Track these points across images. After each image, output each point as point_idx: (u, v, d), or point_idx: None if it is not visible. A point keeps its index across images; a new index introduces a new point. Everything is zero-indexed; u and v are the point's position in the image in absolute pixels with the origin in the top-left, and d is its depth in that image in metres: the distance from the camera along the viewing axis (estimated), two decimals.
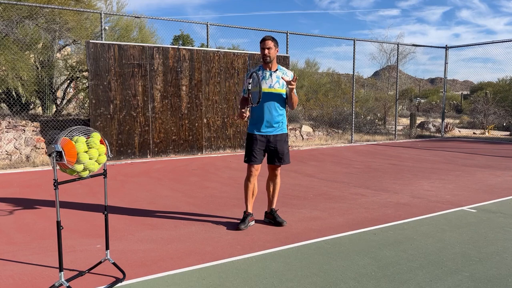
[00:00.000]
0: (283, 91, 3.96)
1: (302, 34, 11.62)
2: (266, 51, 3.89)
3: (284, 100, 4.01)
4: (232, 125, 9.75)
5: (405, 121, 20.46)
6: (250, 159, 3.99)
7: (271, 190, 4.17)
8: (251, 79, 3.79)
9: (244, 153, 4.14)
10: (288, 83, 3.79)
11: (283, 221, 4.06)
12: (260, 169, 4.07)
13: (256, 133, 3.98)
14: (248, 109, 3.87)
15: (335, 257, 3.24)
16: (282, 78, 3.91)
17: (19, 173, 7.06)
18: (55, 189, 2.49)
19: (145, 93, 8.63)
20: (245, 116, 3.83)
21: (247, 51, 10.74)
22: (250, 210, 4.10)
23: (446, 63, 14.54)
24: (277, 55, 10.26)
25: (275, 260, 3.19)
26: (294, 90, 3.87)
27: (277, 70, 3.99)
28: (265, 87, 3.90)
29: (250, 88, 3.81)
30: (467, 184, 6.12)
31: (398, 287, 2.73)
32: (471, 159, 8.92)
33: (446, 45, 14.49)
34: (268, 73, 3.95)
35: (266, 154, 4.05)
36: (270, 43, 3.90)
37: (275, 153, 4.01)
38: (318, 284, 2.77)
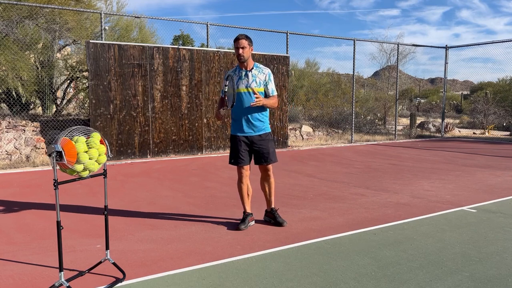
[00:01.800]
0: (261, 89, 3.91)
1: (302, 34, 11.63)
2: (240, 50, 3.85)
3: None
4: None
5: (405, 121, 20.46)
6: (237, 161, 3.96)
7: (266, 190, 4.14)
8: (227, 82, 3.74)
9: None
10: (257, 103, 3.75)
11: (284, 221, 4.05)
12: (249, 169, 4.06)
13: (239, 134, 3.96)
14: (225, 110, 3.85)
15: (335, 257, 3.24)
16: (251, 104, 3.79)
17: (19, 173, 7.06)
18: (55, 189, 2.49)
19: (145, 93, 8.63)
20: (221, 117, 3.84)
21: None
22: (248, 210, 4.10)
23: (446, 63, 14.54)
24: (277, 55, 10.34)
25: (275, 260, 3.19)
26: (264, 102, 3.81)
27: (253, 68, 3.94)
28: (242, 87, 3.87)
29: (226, 90, 3.75)
30: (467, 184, 6.11)
31: (398, 287, 2.73)
32: (471, 159, 8.92)
33: (446, 45, 14.49)
34: (244, 73, 3.92)
35: (253, 155, 4.02)
36: (244, 42, 3.84)
37: (260, 153, 3.97)
38: (318, 284, 2.77)
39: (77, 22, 9.82)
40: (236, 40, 3.87)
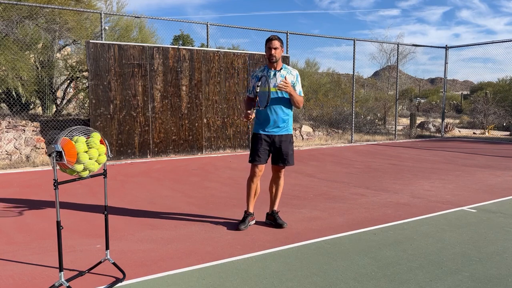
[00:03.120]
0: None
1: (302, 34, 11.63)
2: (273, 51, 3.87)
3: (290, 100, 3.98)
4: (232, 125, 9.75)
5: (405, 121, 20.46)
6: (254, 159, 3.97)
7: (274, 191, 4.15)
8: (259, 82, 3.78)
9: (248, 153, 4.11)
10: (283, 87, 3.76)
11: (284, 223, 4.04)
12: (263, 169, 4.06)
13: (262, 132, 3.96)
14: (254, 110, 3.86)
15: (335, 257, 3.24)
16: (278, 86, 3.81)
17: (19, 173, 7.06)
18: (55, 189, 2.49)
19: (145, 93, 8.63)
20: (251, 118, 3.82)
21: (247, 51, 10.75)
22: (251, 210, 4.10)
23: (446, 63, 14.54)
24: None
25: (275, 260, 3.19)
26: (293, 92, 3.85)
27: (281, 69, 3.97)
28: (270, 86, 3.87)
29: (258, 90, 3.79)
30: (467, 184, 6.11)
31: (398, 287, 2.73)
32: (471, 159, 8.92)
33: (446, 45, 14.49)
34: (272, 73, 3.94)
35: (271, 154, 4.03)
36: (277, 43, 3.88)
37: (279, 154, 3.98)
38: (318, 284, 2.77)
39: (77, 22, 9.82)
40: (270, 40, 3.89)
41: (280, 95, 3.90)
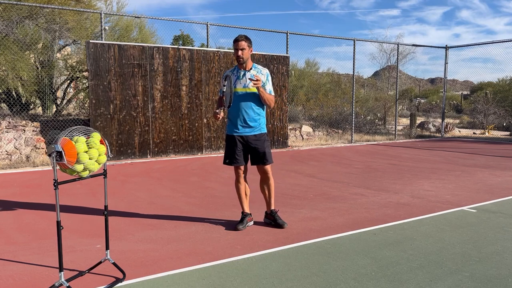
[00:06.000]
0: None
1: (302, 34, 11.63)
2: (240, 52, 3.84)
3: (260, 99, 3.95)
4: None
5: (405, 121, 20.45)
6: (232, 161, 3.96)
7: (266, 191, 4.11)
8: (225, 81, 3.75)
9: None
10: (254, 83, 3.76)
11: (284, 223, 4.03)
12: (247, 168, 4.06)
13: (235, 134, 3.96)
14: (222, 110, 3.85)
15: (335, 257, 3.24)
16: (249, 78, 3.83)
17: (19, 173, 7.06)
18: (55, 189, 2.49)
19: (145, 93, 8.63)
20: (219, 117, 3.83)
21: None
22: (247, 210, 4.09)
23: (446, 63, 14.53)
24: (277, 55, 10.33)
25: (275, 260, 3.19)
26: (261, 89, 3.83)
27: (251, 69, 3.94)
28: (239, 87, 3.87)
29: (224, 90, 3.76)
30: (467, 184, 6.11)
31: (398, 287, 2.73)
32: (471, 159, 8.92)
33: (446, 45, 14.48)
34: (242, 73, 3.92)
35: (249, 155, 4.01)
36: (243, 44, 3.84)
37: (256, 154, 3.96)
38: (318, 284, 2.77)
39: (77, 22, 9.83)
40: (236, 41, 3.86)
41: (249, 95, 3.87)
